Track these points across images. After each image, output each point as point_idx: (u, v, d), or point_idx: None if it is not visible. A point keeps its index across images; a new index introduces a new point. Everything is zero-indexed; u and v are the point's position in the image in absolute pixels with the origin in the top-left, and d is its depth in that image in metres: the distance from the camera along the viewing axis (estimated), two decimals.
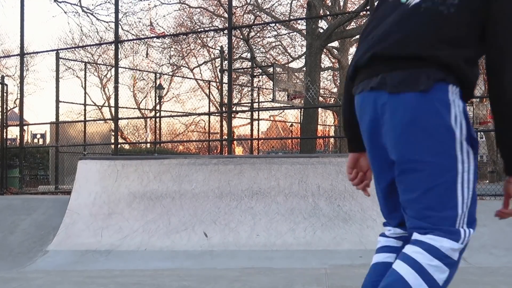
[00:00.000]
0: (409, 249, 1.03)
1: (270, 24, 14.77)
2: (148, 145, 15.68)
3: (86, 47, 15.25)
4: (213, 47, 18.33)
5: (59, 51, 9.81)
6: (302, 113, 12.35)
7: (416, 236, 1.04)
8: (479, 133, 20.64)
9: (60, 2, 11.77)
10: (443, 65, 1.01)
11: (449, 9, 1.05)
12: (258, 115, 13.30)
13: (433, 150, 1.00)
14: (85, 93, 11.56)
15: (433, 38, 1.03)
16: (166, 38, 16.06)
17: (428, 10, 1.06)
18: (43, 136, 20.48)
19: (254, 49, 14.92)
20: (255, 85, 14.06)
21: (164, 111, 16.84)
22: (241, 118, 17.20)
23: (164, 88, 19.12)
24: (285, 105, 10.46)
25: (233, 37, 8.24)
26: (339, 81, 17.78)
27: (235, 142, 14.74)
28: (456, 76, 1.03)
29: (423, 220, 1.03)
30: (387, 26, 1.09)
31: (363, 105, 1.10)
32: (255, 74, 13.35)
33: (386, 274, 1.06)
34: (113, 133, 9.54)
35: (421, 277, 0.98)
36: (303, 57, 14.73)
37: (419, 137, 1.01)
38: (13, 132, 15.84)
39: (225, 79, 10.87)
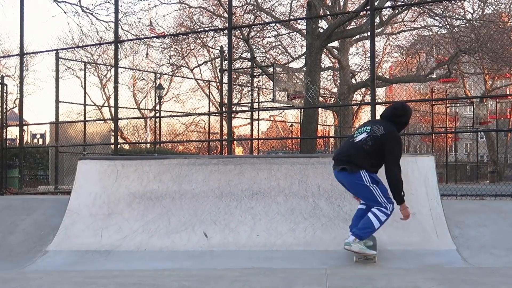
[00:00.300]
0: (372, 209, 3.76)
1: (270, 24, 14.77)
2: (148, 145, 15.67)
3: (86, 47, 15.24)
4: (213, 47, 18.33)
5: (58, 51, 9.80)
6: (302, 113, 12.35)
7: (372, 208, 3.77)
8: (479, 133, 20.69)
9: (60, 2, 11.75)
10: (359, 165, 3.76)
11: (367, 146, 3.76)
12: (258, 115, 13.30)
13: (360, 188, 3.81)
14: (85, 93, 11.55)
15: (358, 156, 3.76)
16: (166, 38, 16.04)
17: (359, 145, 3.79)
18: (42, 136, 20.46)
19: (254, 49, 14.91)
20: (255, 85, 14.05)
21: (164, 111, 16.84)
22: (241, 118, 17.18)
23: (164, 88, 19.11)
24: (285, 105, 10.46)
25: (233, 37, 8.24)
26: (339, 81, 17.78)
27: (235, 142, 14.73)
28: (366, 168, 3.75)
29: (370, 203, 3.81)
30: (345, 149, 3.94)
31: (336, 175, 3.93)
32: (255, 74, 13.34)
33: (364, 218, 3.81)
34: (113, 133, 9.54)
35: (375, 217, 3.73)
36: (303, 57, 14.73)
37: (354, 187, 3.86)
38: (12, 132, 15.83)
39: (225, 79, 10.86)
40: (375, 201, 3.70)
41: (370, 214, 3.70)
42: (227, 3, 9.16)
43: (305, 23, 12.52)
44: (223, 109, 12.17)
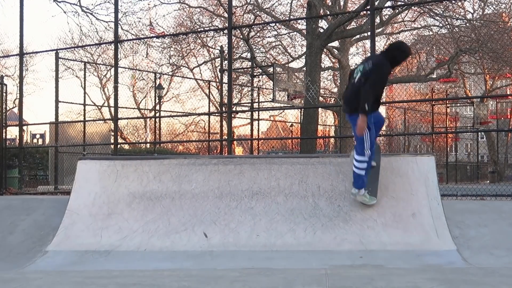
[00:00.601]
0: (353, 164, 4.30)
1: (270, 24, 14.76)
2: (148, 145, 15.67)
3: (86, 47, 15.23)
4: (213, 47, 18.33)
5: (58, 51, 9.80)
6: (302, 113, 12.34)
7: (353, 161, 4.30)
8: (479, 133, 20.68)
9: (60, 2, 11.74)
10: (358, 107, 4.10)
11: (360, 84, 4.10)
12: (258, 115, 13.29)
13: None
14: (85, 93, 11.55)
15: (357, 98, 4.07)
16: (166, 38, 16.04)
17: (356, 86, 4.14)
18: (42, 136, 20.46)
19: (254, 49, 14.90)
20: (255, 85, 14.05)
21: (164, 111, 16.83)
22: (241, 118, 17.17)
23: (163, 88, 19.10)
24: (285, 105, 10.45)
25: (233, 37, 8.23)
26: (339, 81, 17.78)
27: (235, 142, 14.72)
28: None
29: (357, 141, 4.25)
30: (348, 92, 4.32)
31: (346, 116, 4.42)
32: (255, 74, 13.34)
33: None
34: (112, 133, 9.54)
35: (357, 170, 4.22)
36: (303, 57, 14.72)
37: (355, 126, 4.17)
38: (12, 132, 15.83)
39: (225, 79, 10.86)
40: (361, 141, 4.08)
41: (353, 169, 4.18)
42: (227, 3, 9.16)
43: (305, 23, 12.52)
44: (223, 109, 12.17)
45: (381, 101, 4.27)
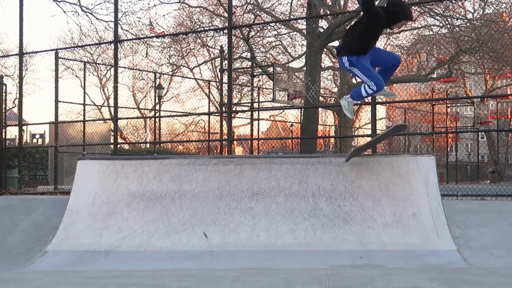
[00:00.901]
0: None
1: (270, 24, 14.75)
2: (148, 145, 15.66)
3: (86, 47, 15.21)
4: (213, 46, 18.31)
5: (58, 50, 9.78)
6: (302, 113, 12.33)
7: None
8: (480, 133, 20.66)
9: (59, 2, 11.74)
10: (340, 51, 4.10)
11: (351, 31, 4.10)
12: (258, 115, 13.28)
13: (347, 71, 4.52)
14: (85, 93, 11.54)
15: (343, 43, 4.15)
16: (166, 37, 16.03)
17: (346, 34, 4.19)
18: (42, 136, 20.44)
19: (254, 49, 14.89)
20: (255, 85, 14.04)
21: (164, 111, 16.80)
22: (241, 118, 17.18)
23: (163, 88, 19.07)
24: (285, 105, 10.44)
25: (233, 36, 8.22)
26: (339, 81, 17.77)
27: (235, 142, 14.71)
28: (345, 52, 4.01)
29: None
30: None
31: None
32: (255, 73, 13.33)
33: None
34: (112, 133, 9.53)
35: (364, 89, 4.06)
36: (303, 56, 14.71)
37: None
38: (12, 132, 15.81)
39: (225, 79, 10.85)
40: (361, 79, 4.08)
41: (362, 85, 4.15)
42: (227, 2, 9.15)
43: (305, 23, 12.50)
44: (223, 109, 12.16)
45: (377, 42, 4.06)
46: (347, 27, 4.50)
